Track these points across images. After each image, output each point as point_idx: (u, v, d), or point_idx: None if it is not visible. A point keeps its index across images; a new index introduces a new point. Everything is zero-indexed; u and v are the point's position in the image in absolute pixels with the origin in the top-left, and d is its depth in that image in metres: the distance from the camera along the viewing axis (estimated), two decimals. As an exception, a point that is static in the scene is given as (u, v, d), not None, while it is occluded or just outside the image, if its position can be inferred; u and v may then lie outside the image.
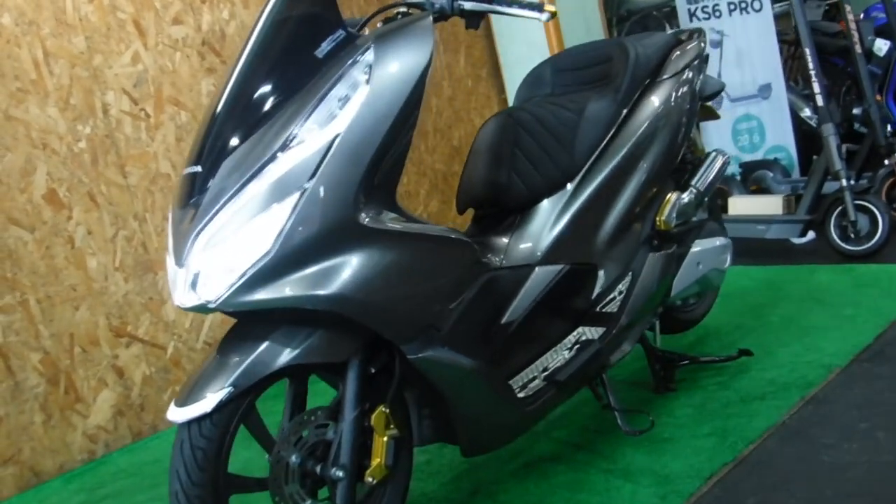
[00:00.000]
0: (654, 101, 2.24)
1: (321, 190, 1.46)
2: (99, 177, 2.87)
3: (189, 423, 1.46)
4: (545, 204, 2.06)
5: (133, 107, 2.97)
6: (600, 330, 2.01)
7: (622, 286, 2.08)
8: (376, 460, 1.62)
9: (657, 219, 2.17)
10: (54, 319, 2.74)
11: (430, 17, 1.66)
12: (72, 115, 2.82)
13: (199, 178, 1.56)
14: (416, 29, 1.62)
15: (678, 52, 2.37)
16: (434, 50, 1.62)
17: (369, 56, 1.55)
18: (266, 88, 1.57)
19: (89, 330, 2.82)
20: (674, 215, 2.19)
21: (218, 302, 1.46)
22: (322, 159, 1.47)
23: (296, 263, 1.46)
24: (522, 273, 1.95)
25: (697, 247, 2.35)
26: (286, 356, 1.52)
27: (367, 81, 1.53)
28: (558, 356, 1.93)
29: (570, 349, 1.95)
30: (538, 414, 1.87)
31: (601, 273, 2.08)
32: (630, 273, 2.10)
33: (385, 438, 1.63)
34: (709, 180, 2.41)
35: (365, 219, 1.51)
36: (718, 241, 2.44)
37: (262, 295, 1.45)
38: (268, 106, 1.55)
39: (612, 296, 2.07)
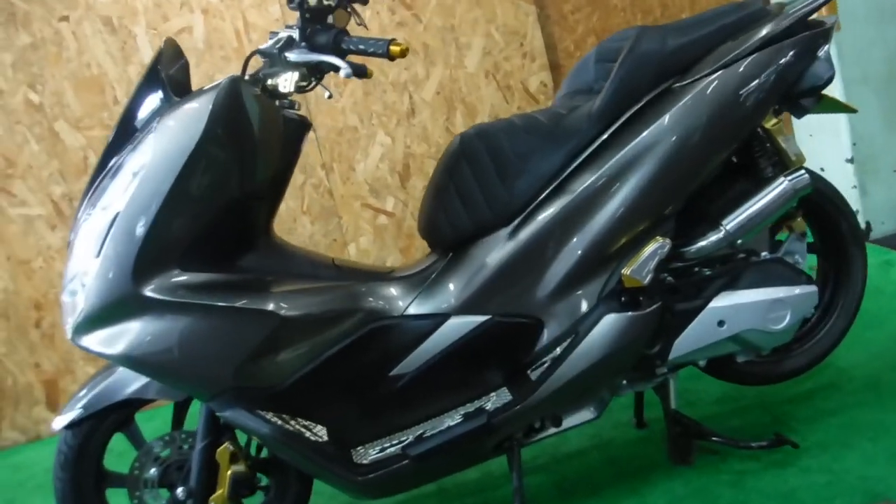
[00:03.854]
0: (657, 117, 1.79)
1: (105, 265, 1.62)
2: (291, 131, 3.28)
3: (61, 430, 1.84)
4: (476, 246, 1.85)
5: (323, 65, 3.26)
6: (506, 399, 1.80)
7: (560, 349, 1.81)
8: (219, 491, 1.81)
9: (623, 271, 1.78)
10: (250, 253, 3.32)
11: (216, 90, 1.63)
12: (267, 77, 3.24)
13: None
14: (193, 99, 1.63)
15: (735, 40, 1.82)
16: (218, 117, 1.61)
17: (153, 129, 1.62)
18: (109, 153, 1.72)
19: (279, 263, 3.35)
20: (646, 270, 1.77)
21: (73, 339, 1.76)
22: (106, 236, 1.62)
23: (102, 322, 1.66)
24: (430, 322, 1.83)
25: (724, 300, 1.86)
26: (129, 390, 1.78)
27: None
28: (445, 423, 1.80)
29: (461, 417, 1.80)
30: (377, 488, 1.78)
31: (546, 331, 1.83)
32: (574, 334, 1.80)
33: (228, 473, 1.80)
34: (749, 218, 1.85)
35: (149, 290, 1.62)
36: (772, 294, 1.88)
37: (87, 344, 1.70)
38: (102, 174, 1.72)
39: (544, 359, 1.82)
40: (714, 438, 1.95)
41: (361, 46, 1.72)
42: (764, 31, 1.84)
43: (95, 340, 1.65)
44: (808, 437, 1.97)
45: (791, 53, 1.84)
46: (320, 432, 1.76)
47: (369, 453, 1.77)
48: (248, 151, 1.68)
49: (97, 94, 3.16)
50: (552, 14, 3.41)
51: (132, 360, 1.65)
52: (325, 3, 1.80)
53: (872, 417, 1.98)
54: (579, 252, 1.80)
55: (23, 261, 3.21)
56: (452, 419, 1.80)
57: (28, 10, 3.08)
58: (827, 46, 1.91)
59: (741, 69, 1.80)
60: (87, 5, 3.10)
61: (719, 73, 1.80)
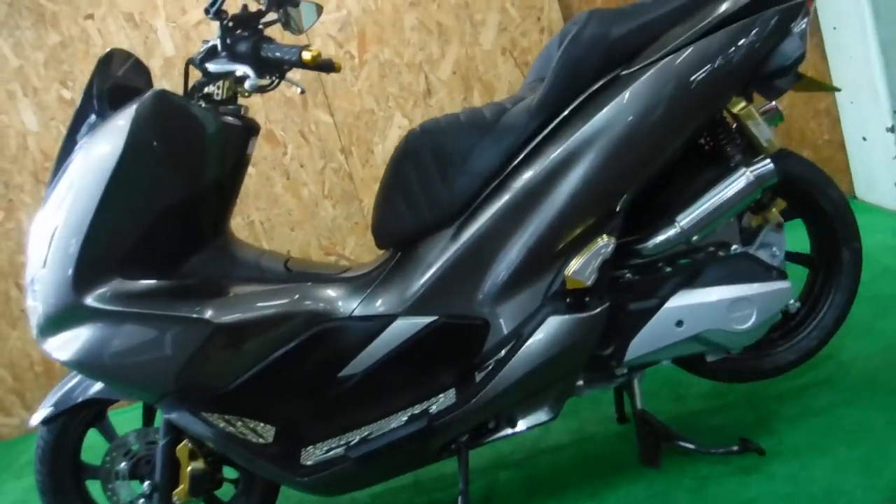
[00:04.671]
0: (599, 108, 1.70)
1: (50, 276, 1.68)
2: (309, 116, 3.30)
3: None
4: (421, 246, 1.82)
5: (338, 50, 3.26)
6: (451, 401, 1.78)
7: (504, 351, 1.77)
8: (181, 486, 1.88)
9: (566, 272, 1.72)
10: (274, 238, 3.39)
11: (138, 103, 1.65)
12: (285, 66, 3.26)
13: None
14: (118, 114, 1.66)
15: (692, 20, 1.71)
16: (139, 130, 1.64)
17: (84, 144, 1.66)
18: (57, 165, 1.78)
19: (303, 247, 3.40)
20: (589, 271, 1.70)
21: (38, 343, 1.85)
22: (49, 247, 1.69)
23: (54, 329, 1.73)
24: (377, 323, 1.82)
25: (682, 299, 1.77)
26: (93, 390, 1.87)
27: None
28: (389, 425, 1.80)
29: (406, 419, 1.79)
30: (322, 487, 1.80)
31: (492, 332, 1.79)
32: (519, 336, 1.75)
33: (188, 469, 1.87)
34: (706, 212, 1.74)
35: (90, 300, 1.67)
36: (735, 292, 1.77)
37: (46, 348, 1.78)
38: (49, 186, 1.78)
39: (490, 361, 1.78)
40: (679, 443, 1.87)
41: (278, 54, 1.71)
42: (721, 9, 1.72)
43: (52, 346, 1.73)
44: (785, 438, 1.86)
45: (753, 32, 1.70)
46: (266, 433, 1.79)
47: (315, 454, 1.79)
48: (176, 160, 1.70)
49: (123, 88, 3.27)
50: (570, -16, 3.28)
51: (80, 366, 1.72)
52: (258, 7, 1.79)
53: (857, 418, 1.85)
54: (522, 251, 1.74)
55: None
56: (397, 421, 1.79)
57: (56, 10, 3.21)
58: (803, 21, 1.76)
59: (692, 53, 1.69)
60: (111, 2, 3.20)
61: (668, 58, 1.69)
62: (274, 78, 1.90)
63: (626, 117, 1.68)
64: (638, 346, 1.78)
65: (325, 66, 2.04)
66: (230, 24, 1.76)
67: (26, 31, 3.23)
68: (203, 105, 1.79)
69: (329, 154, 3.33)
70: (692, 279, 1.79)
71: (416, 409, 1.81)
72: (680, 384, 2.22)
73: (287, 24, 1.93)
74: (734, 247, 1.84)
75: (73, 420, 1.93)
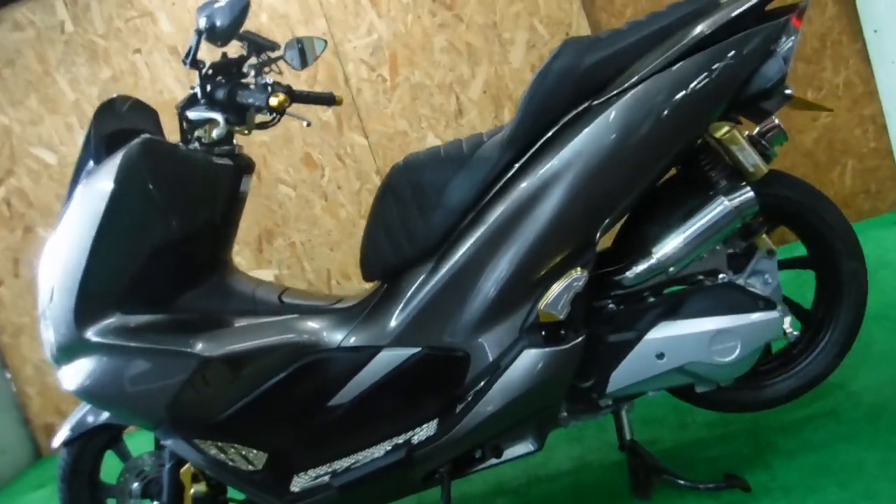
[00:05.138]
0: (569, 140, 1.69)
1: (55, 312, 1.80)
2: (344, 139, 3.39)
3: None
4: (405, 278, 1.86)
5: (370, 73, 3.33)
6: (431, 432, 1.81)
7: (483, 383, 1.78)
8: (185, 507, 1.99)
9: (539, 305, 1.72)
10: (315, 258, 3.49)
11: (124, 152, 1.76)
12: (319, 89, 3.36)
13: None
14: (108, 162, 1.77)
15: (669, 42, 1.69)
16: (125, 177, 1.75)
17: (78, 190, 1.78)
18: (63, 209, 1.91)
19: (342, 267, 3.49)
20: (561, 304, 1.69)
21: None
22: (54, 284, 1.81)
23: (62, 360, 1.86)
24: (364, 354, 1.87)
25: (663, 331, 1.74)
26: (104, 416, 1.99)
27: None
28: (373, 454, 1.84)
29: (388, 448, 1.83)
30: None
31: (472, 364, 1.81)
32: (497, 368, 1.77)
33: (191, 492, 1.96)
34: (684, 243, 1.71)
35: (90, 334, 1.78)
36: (717, 324, 1.72)
37: (59, 377, 1.91)
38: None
39: (469, 393, 1.80)
40: (666, 476, 1.84)
41: (250, 100, 1.78)
42: (695, 32, 1.68)
43: (63, 375, 1.86)
44: (779, 474, 1.80)
45: (729, 56, 1.66)
46: (258, 460, 1.87)
47: (304, 480, 1.85)
48: (165, 203, 1.79)
49: (171, 118, 3.43)
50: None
51: (83, 395, 1.84)
52: (240, 53, 1.87)
53: (854, 456, 1.77)
54: (497, 284, 1.75)
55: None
56: (380, 450, 1.83)
57: (107, 47, 3.40)
58: (789, 40, 1.70)
59: (663, 80, 1.66)
60: (156, 37, 3.37)
61: (639, 86, 1.67)
62: (275, 115, 1.99)
63: (594, 149, 1.67)
64: (619, 378, 1.77)
65: (325, 99, 2.12)
66: (209, 71, 1.84)
67: (81, 67, 3.44)
68: (196, 147, 1.88)
69: (365, 175, 3.40)
70: (675, 310, 1.76)
71: (399, 440, 1.84)
72: (686, 411, 2.17)
73: (290, 60, 2.02)
74: (721, 276, 1.80)
75: (91, 442, 2.05)
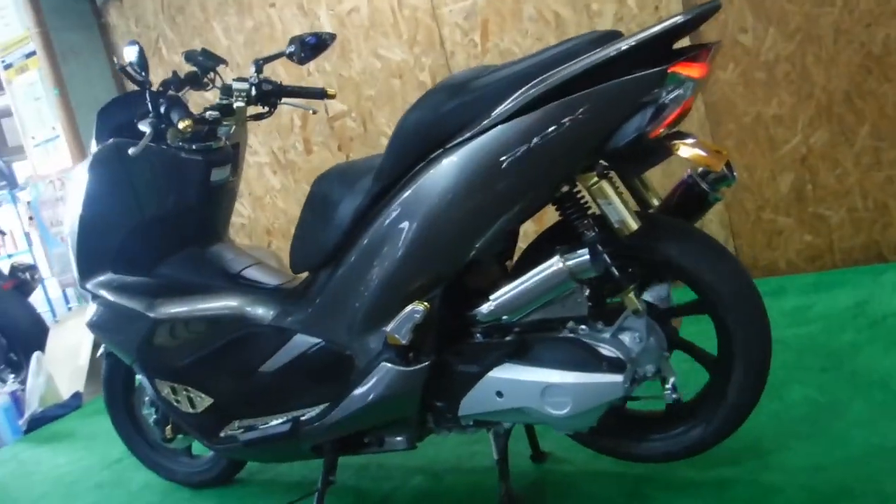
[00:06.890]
0: (413, 185, 1.77)
1: (73, 263, 2.33)
2: (439, 100, 3.53)
3: None
4: (320, 273, 2.05)
5: (464, 38, 3.40)
6: (313, 413, 2.04)
7: (353, 383, 1.97)
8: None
9: (386, 329, 1.84)
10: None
11: (101, 149, 2.13)
12: (418, 50, 3.51)
13: None
14: (88, 157, 2.17)
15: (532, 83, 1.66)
16: (95, 173, 2.16)
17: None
18: None
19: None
20: (404, 331, 1.80)
21: None
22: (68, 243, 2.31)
23: (84, 300, 2.38)
24: (284, 335, 2.13)
25: (505, 371, 1.79)
26: None
27: None
28: (273, 420, 2.12)
29: (285, 419, 2.10)
30: (224, 454, 2.26)
31: (356, 364, 2.01)
32: (366, 373, 1.94)
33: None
34: (515, 296, 1.73)
35: (88, 285, 2.27)
36: (548, 377, 1.72)
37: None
38: None
39: (347, 389, 2.00)
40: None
41: (172, 115, 2.02)
42: (561, 75, 1.60)
43: (87, 310, 2.38)
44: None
45: (581, 110, 1.58)
46: (201, 405, 2.25)
47: (231, 429, 2.21)
48: (133, 191, 2.18)
49: (296, 68, 3.81)
50: (690, -27, 2.99)
51: (90, 329, 2.36)
52: (188, 71, 2.15)
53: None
54: (370, 299, 1.89)
55: (258, 197, 4.12)
56: (277, 419, 2.12)
57: (250, 0, 3.82)
58: (671, 93, 1.57)
59: (506, 132, 1.63)
60: (286, -7, 3.72)
61: (482, 135, 1.67)
62: (269, 107, 2.28)
63: (431, 196, 1.71)
64: (467, 406, 1.84)
65: (317, 93, 2.35)
66: (160, 88, 2.13)
67: (232, 17, 3.90)
68: (168, 145, 2.20)
69: (454, 136, 3.53)
70: (520, 353, 1.78)
71: (295, 414, 2.11)
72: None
73: (291, 56, 2.26)
74: (581, 327, 1.78)
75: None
